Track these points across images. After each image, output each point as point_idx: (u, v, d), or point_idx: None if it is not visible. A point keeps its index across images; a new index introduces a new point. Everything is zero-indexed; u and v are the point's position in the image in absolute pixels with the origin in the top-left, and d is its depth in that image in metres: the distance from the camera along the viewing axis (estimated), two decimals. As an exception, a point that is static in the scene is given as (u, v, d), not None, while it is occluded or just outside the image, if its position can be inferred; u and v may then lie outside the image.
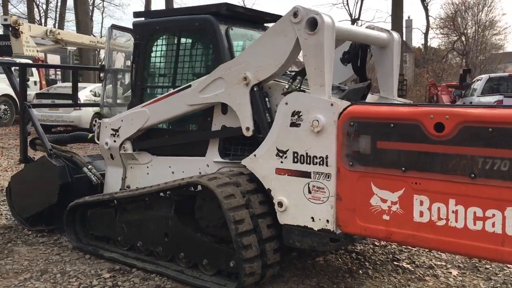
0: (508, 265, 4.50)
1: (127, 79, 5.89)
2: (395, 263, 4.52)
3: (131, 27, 5.10)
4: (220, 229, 3.97)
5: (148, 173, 4.96)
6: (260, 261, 3.77)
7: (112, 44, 5.66)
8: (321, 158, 3.61)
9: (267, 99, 4.06)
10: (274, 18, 5.07)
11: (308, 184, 3.68)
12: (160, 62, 4.94)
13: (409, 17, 66.96)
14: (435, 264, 4.51)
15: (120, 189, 5.07)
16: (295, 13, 3.68)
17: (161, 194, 4.40)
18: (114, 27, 5.56)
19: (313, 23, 3.60)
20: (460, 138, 3.03)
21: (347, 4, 39.17)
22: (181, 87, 4.48)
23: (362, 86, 3.97)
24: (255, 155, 3.97)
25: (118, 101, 5.88)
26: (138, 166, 5.03)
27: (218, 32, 4.41)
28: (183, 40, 4.75)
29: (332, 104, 3.55)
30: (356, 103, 3.61)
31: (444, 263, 4.56)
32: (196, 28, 4.57)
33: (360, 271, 4.34)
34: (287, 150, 3.77)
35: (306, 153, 3.68)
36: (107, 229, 4.77)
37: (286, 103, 3.77)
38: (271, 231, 3.89)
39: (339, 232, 3.60)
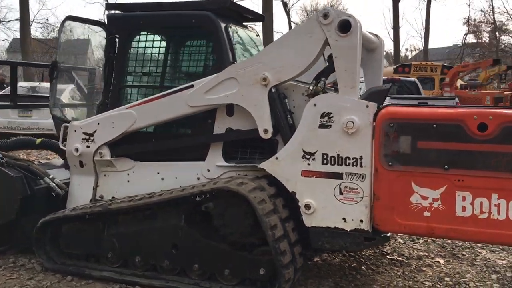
0: (479, 250, 4.99)
1: (85, 78, 5.33)
2: (388, 257, 4.74)
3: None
4: (247, 236, 3.80)
5: (128, 181, 4.53)
6: (292, 266, 3.69)
7: (66, 38, 5.07)
8: (355, 159, 3.64)
9: (286, 100, 3.97)
10: (257, 16, 5.01)
11: (340, 185, 3.69)
12: (144, 60, 4.55)
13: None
14: (423, 255, 4.82)
15: (91, 200, 4.58)
16: (325, 14, 3.66)
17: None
18: (70, 18, 4.97)
19: (345, 25, 3.62)
20: (502, 137, 3.29)
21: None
22: (180, 87, 4.18)
23: (384, 88, 4.10)
24: (276, 158, 3.86)
25: (74, 102, 5.29)
26: (115, 173, 4.57)
27: (219, 29, 4.20)
28: (174, 37, 4.44)
29: (367, 106, 3.61)
30: (390, 104, 3.72)
31: (426, 253, 4.90)
32: (193, 25, 4.29)
33: (363, 267, 4.47)
34: (315, 152, 3.74)
35: (338, 154, 3.68)
36: (90, 245, 4.26)
37: (315, 105, 3.74)
38: (295, 234, 3.83)
39: (373, 231, 3.69)
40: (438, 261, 4.68)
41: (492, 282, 4.23)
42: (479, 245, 5.12)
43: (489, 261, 4.71)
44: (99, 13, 49.55)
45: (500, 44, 45.03)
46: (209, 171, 4.26)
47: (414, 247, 5.08)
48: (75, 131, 4.55)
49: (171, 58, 4.47)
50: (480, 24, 46.61)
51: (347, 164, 3.67)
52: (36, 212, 4.56)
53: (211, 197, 3.86)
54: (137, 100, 4.55)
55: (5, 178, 4.48)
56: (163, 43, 4.48)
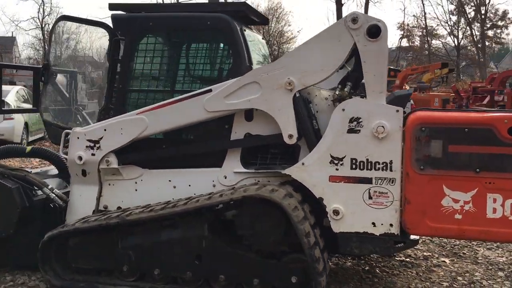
0: (477, 248, 5.16)
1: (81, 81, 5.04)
2: (396, 258, 4.80)
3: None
4: (277, 245, 3.71)
5: (136, 190, 4.33)
6: (325, 273, 3.65)
7: (59, 39, 4.78)
8: (385, 164, 3.65)
9: (310, 105, 3.92)
10: (263, 19, 4.94)
11: (369, 189, 3.69)
12: (153, 63, 4.35)
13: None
14: (428, 255, 4.92)
15: (94, 211, 4.34)
16: (353, 19, 3.64)
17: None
18: (64, 18, 4.69)
19: (374, 30, 3.62)
20: (532, 140, 3.41)
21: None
22: (197, 91, 4.03)
23: (406, 93, 4.13)
24: (303, 164, 3.81)
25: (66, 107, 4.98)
26: (121, 182, 4.35)
27: (236, 32, 4.09)
28: (186, 39, 4.28)
29: (397, 110, 3.63)
30: (419, 109, 3.75)
31: (430, 253, 5.01)
32: (208, 27, 4.15)
33: (378, 270, 4.50)
34: (344, 157, 3.72)
35: (367, 159, 3.68)
36: (103, 259, 4.03)
37: (343, 109, 3.72)
38: (323, 240, 3.80)
39: (402, 235, 3.71)
40: (444, 261, 4.79)
41: (502, 280, 4.38)
42: (474, 243, 5.30)
43: (490, 259, 4.89)
44: (32, 11, 47.27)
45: (431, 48, 47.30)
46: (226, 178, 4.14)
47: (416, 247, 5.17)
48: (77, 138, 4.29)
49: (182, 61, 4.31)
50: (413, 28, 48.80)
51: (377, 168, 3.67)
52: (34, 225, 4.29)
53: (240, 205, 3.74)
54: (144, 104, 4.37)
55: (2, 189, 4.15)
56: (174, 46, 4.31)
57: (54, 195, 4.33)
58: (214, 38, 4.26)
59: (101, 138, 4.23)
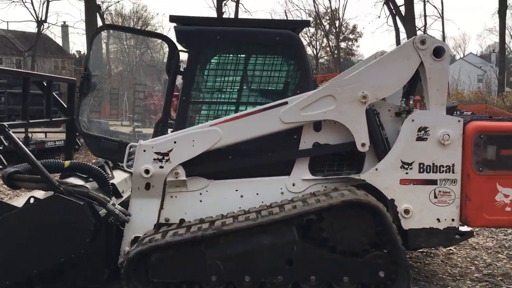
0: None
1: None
2: (417, 251, 5.41)
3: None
4: (365, 244, 4.04)
5: (201, 201, 4.38)
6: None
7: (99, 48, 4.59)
8: (448, 167, 4.22)
9: (379, 116, 4.34)
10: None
11: (434, 190, 4.23)
12: (219, 76, 4.42)
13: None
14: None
15: (155, 225, 4.30)
16: (422, 41, 4.16)
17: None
18: (108, 27, 4.53)
19: (439, 51, 4.17)
20: None
21: (32, 3, 34.71)
22: (272, 104, 4.22)
23: (453, 105, 4.72)
24: (376, 169, 4.22)
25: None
26: (184, 194, 4.38)
27: (303, 49, 4.39)
28: (253, 53, 4.42)
29: (459, 121, 4.22)
30: (474, 119, 4.37)
31: (436, 244, 5.71)
32: (276, 43, 4.36)
33: (411, 263, 5.06)
34: (413, 162, 4.21)
35: (433, 163, 4.22)
36: (190, 272, 4.01)
37: (413, 120, 4.20)
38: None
39: (463, 227, 4.31)
40: (451, 249, 5.52)
41: (508, 260, 5.21)
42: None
43: (483, 245, 5.74)
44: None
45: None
46: (294, 185, 4.39)
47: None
48: (144, 151, 4.22)
49: (249, 74, 4.45)
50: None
51: (441, 171, 4.23)
52: (99, 243, 4.12)
53: (336, 209, 4.00)
54: (208, 116, 4.45)
55: (73, 207, 3.93)
56: (240, 59, 4.43)
57: (118, 211, 4.20)
58: (282, 53, 4.46)
59: (170, 151, 4.21)
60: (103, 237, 4.14)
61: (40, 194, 4.20)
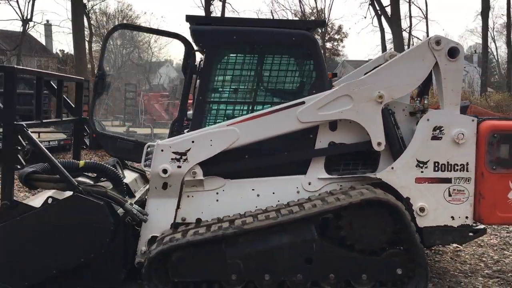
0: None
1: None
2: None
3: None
4: (383, 242, 4.09)
5: (218, 200, 4.39)
6: (425, 262, 4.16)
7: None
8: (462, 165, 4.29)
9: (394, 115, 4.39)
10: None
11: (449, 188, 4.30)
12: (235, 76, 4.42)
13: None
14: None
15: (172, 224, 4.30)
16: (437, 41, 4.21)
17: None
18: (123, 26, 4.51)
19: (454, 51, 4.23)
20: None
21: (17, 1, 34.27)
22: (289, 103, 4.24)
23: (465, 104, 4.78)
24: (392, 168, 4.27)
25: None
26: (201, 193, 4.38)
27: (319, 49, 4.42)
28: (269, 53, 4.43)
29: (473, 120, 4.29)
30: (486, 118, 4.44)
31: (442, 241, 5.80)
32: (292, 43, 4.39)
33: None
34: (428, 161, 4.27)
35: (448, 162, 4.28)
36: (210, 271, 4.01)
37: (428, 119, 4.26)
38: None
39: (476, 225, 4.38)
40: (457, 246, 5.61)
41: (513, 257, 5.33)
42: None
43: (488, 242, 5.84)
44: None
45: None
46: (310, 184, 4.42)
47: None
48: (162, 150, 4.21)
49: (264, 74, 4.47)
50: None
51: (456, 170, 4.29)
52: (117, 242, 4.10)
53: (355, 208, 4.04)
54: (225, 116, 4.46)
55: (93, 207, 3.91)
56: (256, 59, 4.44)
57: (136, 211, 4.18)
58: (298, 53, 4.48)
59: (188, 150, 4.21)
60: (121, 237, 4.12)
61: (50, 194, 4.17)
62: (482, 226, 4.52)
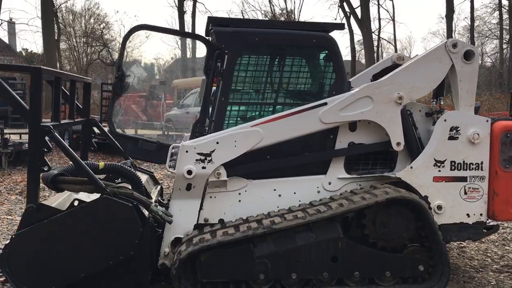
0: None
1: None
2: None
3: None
4: (405, 239, 4.19)
5: (240, 200, 4.42)
6: (441, 260, 4.28)
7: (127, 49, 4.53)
8: (477, 164, 4.45)
9: (412, 116, 4.50)
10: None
11: (465, 186, 4.44)
12: (257, 77, 4.46)
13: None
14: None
15: (195, 225, 4.31)
16: (454, 44, 4.36)
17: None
18: (142, 27, 4.47)
19: (469, 54, 4.38)
20: None
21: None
22: (312, 104, 4.31)
23: (477, 105, 4.94)
24: (411, 167, 4.39)
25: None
26: (223, 194, 4.40)
27: (339, 51, 4.49)
28: (290, 55, 4.48)
29: (487, 120, 4.45)
30: (499, 119, 4.60)
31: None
32: (313, 45, 4.45)
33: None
34: (445, 160, 4.41)
35: (463, 161, 4.43)
36: (238, 271, 4.03)
37: (445, 120, 4.40)
38: None
39: (490, 221, 4.55)
40: (461, 243, 5.78)
41: (515, 251, 5.54)
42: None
43: (488, 238, 6.03)
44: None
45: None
46: (330, 184, 4.50)
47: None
48: (187, 151, 4.20)
49: (284, 75, 4.51)
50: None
51: (471, 168, 4.45)
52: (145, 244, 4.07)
53: (379, 207, 4.13)
54: (246, 117, 4.49)
55: (121, 209, 3.87)
56: (277, 61, 4.48)
57: (161, 212, 4.16)
58: (318, 55, 4.55)
59: (213, 151, 4.22)
60: (148, 239, 4.09)
61: (74, 196, 4.11)
62: (494, 223, 4.70)
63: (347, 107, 4.34)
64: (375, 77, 5.33)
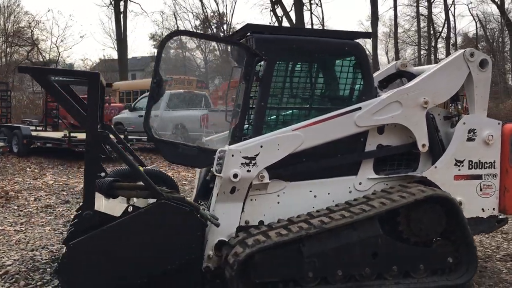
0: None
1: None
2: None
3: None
4: (436, 234, 4.51)
5: (279, 202, 4.57)
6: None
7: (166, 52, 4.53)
8: (490, 163, 4.89)
9: (435, 119, 4.85)
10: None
11: (480, 184, 4.87)
12: (293, 82, 4.62)
13: None
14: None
15: (238, 228, 4.41)
16: (471, 54, 4.76)
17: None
18: (180, 33, 4.48)
19: (484, 63, 4.81)
20: None
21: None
22: (348, 109, 4.54)
23: None
24: (436, 167, 4.74)
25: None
26: (263, 196, 4.53)
27: (367, 58, 4.76)
28: (323, 61, 4.68)
29: (499, 123, 4.89)
30: (508, 122, 5.06)
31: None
32: (345, 52, 4.68)
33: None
34: (464, 160, 4.81)
35: (479, 161, 4.85)
36: (289, 270, 4.16)
37: (464, 123, 4.79)
38: None
39: (500, 215, 4.99)
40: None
41: (508, 242, 6.05)
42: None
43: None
44: None
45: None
46: (360, 184, 4.76)
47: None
48: (232, 155, 4.28)
49: (320, 81, 4.70)
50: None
51: (485, 167, 4.88)
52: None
53: (414, 204, 4.41)
54: (283, 121, 4.64)
55: (181, 213, 3.89)
56: (312, 67, 4.67)
57: (210, 216, 4.21)
58: (349, 62, 4.78)
59: (257, 155, 4.33)
60: (200, 242, 4.13)
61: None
62: (504, 216, 5.16)
63: (379, 112, 4.62)
64: (381, 83, 5.68)
